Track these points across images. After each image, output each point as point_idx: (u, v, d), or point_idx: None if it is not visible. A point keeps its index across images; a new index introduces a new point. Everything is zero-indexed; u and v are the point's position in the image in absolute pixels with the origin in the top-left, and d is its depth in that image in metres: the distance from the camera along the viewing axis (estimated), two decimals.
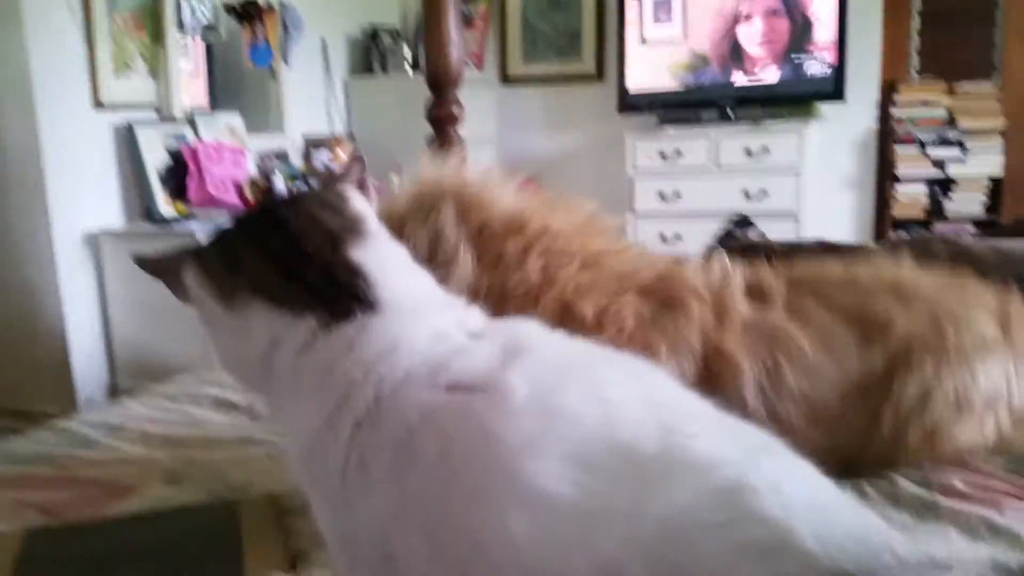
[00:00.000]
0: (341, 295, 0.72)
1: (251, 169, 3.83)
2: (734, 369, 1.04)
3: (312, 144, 4.35)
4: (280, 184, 3.68)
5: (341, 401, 0.68)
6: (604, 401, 0.65)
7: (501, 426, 0.63)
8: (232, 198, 3.63)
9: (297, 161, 4.25)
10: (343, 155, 4.22)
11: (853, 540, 0.59)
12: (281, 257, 0.74)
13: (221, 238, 0.80)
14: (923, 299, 1.11)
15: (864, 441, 1.06)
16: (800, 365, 1.05)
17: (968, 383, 1.05)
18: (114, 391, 3.38)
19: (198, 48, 3.88)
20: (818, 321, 1.08)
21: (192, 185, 3.55)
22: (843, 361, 1.06)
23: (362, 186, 0.85)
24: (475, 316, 0.77)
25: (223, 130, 3.85)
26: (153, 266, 0.82)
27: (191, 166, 3.56)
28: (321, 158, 4.24)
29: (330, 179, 0.84)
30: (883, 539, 0.63)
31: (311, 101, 4.49)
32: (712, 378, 1.03)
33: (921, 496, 1.00)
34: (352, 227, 0.77)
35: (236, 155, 3.76)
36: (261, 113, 4.22)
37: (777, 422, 1.01)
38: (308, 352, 0.71)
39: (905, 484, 1.03)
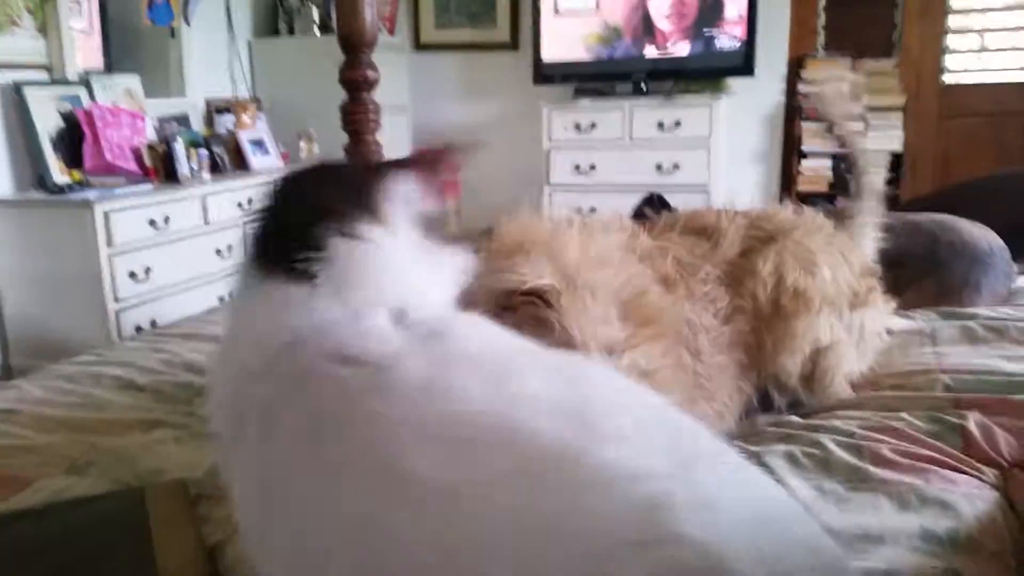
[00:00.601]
0: (280, 259, 0.72)
1: (150, 134, 3.65)
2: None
3: (215, 108, 4.19)
4: (180, 150, 3.53)
5: (237, 342, 0.71)
6: (509, 394, 0.60)
7: (378, 402, 0.60)
8: (130, 165, 3.46)
9: (199, 126, 4.09)
10: (247, 119, 4.07)
11: (804, 554, 0.54)
12: (273, 215, 0.77)
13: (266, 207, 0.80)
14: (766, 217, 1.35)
15: (755, 327, 1.23)
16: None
17: (809, 252, 1.27)
18: (7, 372, 3.20)
19: (91, 4, 3.66)
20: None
21: (88, 151, 3.37)
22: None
23: (427, 179, 0.80)
24: (434, 295, 0.76)
25: (120, 93, 3.66)
26: None
27: (86, 131, 3.37)
28: (225, 123, 4.09)
29: (397, 163, 0.80)
30: (836, 552, 0.59)
31: (214, 63, 4.31)
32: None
33: (852, 464, 1.02)
34: (347, 210, 0.74)
35: (134, 119, 3.58)
36: (161, 75, 4.03)
37: None
38: (241, 292, 0.74)
39: (837, 451, 1.05)
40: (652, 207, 2.78)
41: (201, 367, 1.45)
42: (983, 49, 4.49)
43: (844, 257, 1.33)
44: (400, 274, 0.74)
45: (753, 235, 1.30)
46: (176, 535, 0.94)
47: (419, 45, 4.98)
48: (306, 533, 0.59)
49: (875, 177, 1.52)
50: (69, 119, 3.37)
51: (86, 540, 0.96)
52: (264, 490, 0.63)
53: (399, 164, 0.80)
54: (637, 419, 0.62)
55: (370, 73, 2.02)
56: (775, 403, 1.29)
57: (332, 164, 0.81)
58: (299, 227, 0.73)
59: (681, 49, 4.29)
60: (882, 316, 1.38)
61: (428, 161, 0.81)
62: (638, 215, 2.70)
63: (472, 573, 0.53)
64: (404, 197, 0.77)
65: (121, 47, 3.85)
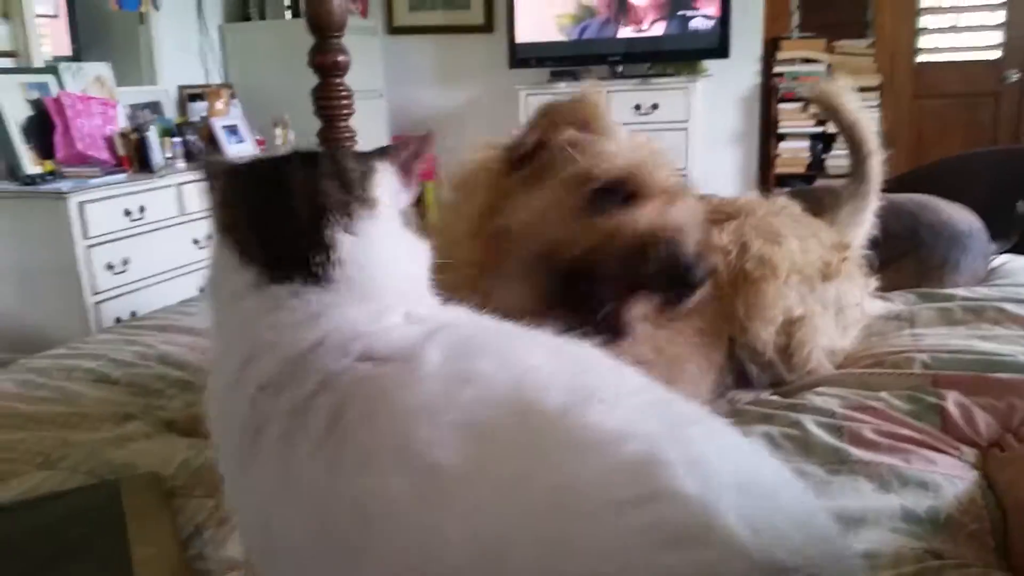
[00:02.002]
0: (291, 260, 0.68)
1: (122, 123, 3.60)
2: None
3: (188, 95, 4.13)
4: (154, 138, 3.48)
5: (248, 359, 0.66)
6: (516, 367, 0.62)
7: (401, 392, 0.60)
8: (103, 154, 3.41)
9: (172, 113, 4.03)
10: (221, 106, 4.02)
11: (794, 525, 0.54)
12: (258, 208, 0.71)
13: (230, 179, 0.75)
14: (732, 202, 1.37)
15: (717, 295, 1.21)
16: None
17: (773, 227, 1.28)
18: None
19: None
20: None
21: (59, 141, 3.31)
22: None
23: (406, 169, 0.78)
24: (427, 300, 0.74)
25: (90, 81, 3.60)
26: None
27: (57, 120, 3.31)
28: (198, 110, 4.03)
29: (381, 152, 0.77)
30: (827, 524, 0.59)
31: (185, 49, 4.24)
32: None
33: (832, 445, 1.02)
34: (350, 205, 0.71)
35: (106, 108, 3.52)
36: (131, 62, 3.97)
37: None
38: (237, 301, 0.68)
39: (816, 432, 1.05)
40: None
41: (176, 359, 1.43)
42: (954, 28, 4.52)
43: (812, 232, 1.34)
44: (402, 269, 0.72)
45: (713, 218, 1.30)
46: (151, 528, 0.93)
47: (393, 28, 4.93)
48: (333, 533, 0.59)
49: (879, 162, 1.52)
50: (38, 108, 3.31)
51: (60, 535, 0.95)
52: (286, 498, 0.61)
53: (380, 154, 0.78)
54: (629, 388, 0.64)
55: (341, 57, 1.99)
56: (754, 381, 1.30)
57: (319, 153, 0.76)
58: (307, 225, 0.69)
59: (656, 29, 4.27)
60: (860, 289, 1.38)
61: (409, 150, 0.79)
62: None
63: (491, 547, 0.53)
64: (389, 187, 0.75)
65: (90, 33, 3.79)
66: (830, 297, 1.31)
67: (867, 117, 1.53)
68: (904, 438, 1.03)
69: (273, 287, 0.67)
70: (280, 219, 0.70)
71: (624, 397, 0.61)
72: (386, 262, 0.71)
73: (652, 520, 0.51)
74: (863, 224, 1.53)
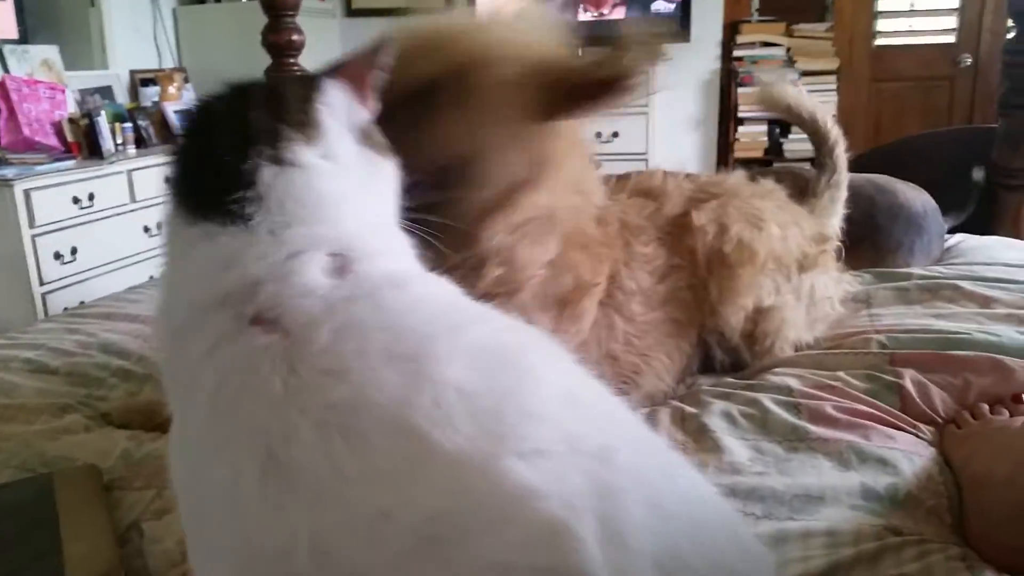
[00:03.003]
0: (209, 199, 0.62)
1: (71, 108, 3.50)
2: None
3: (140, 80, 4.03)
4: (104, 124, 3.39)
5: (166, 306, 0.62)
6: (419, 378, 0.53)
7: (272, 376, 0.54)
8: (51, 140, 3.32)
9: (123, 98, 3.93)
10: (174, 91, 3.93)
11: None
12: (185, 148, 0.67)
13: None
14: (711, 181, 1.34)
15: (693, 284, 1.21)
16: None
17: (756, 210, 1.25)
18: None
19: None
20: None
21: (4, 126, 3.21)
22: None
23: (359, 83, 0.71)
24: (389, 252, 0.65)
25: (37, 65, 3.49)
26: None
27: (1, 105, 3.21)
28: (150, 95, 3.94)
29: (329, 70, 0.70)
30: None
31: (137, 32, 4.14)
32: None
33: (791, 423, 1.01)
34: (278, 133, 0.64)
35: (54, 92, 3.42)
36: (81, 46, 3.86)
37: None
38: (168, 242, 0.64)
39: (775, 410, 1.04)
40: None
41: (118, 348, 1.38)
42: (912, 11, 4.55)
43: (795, 221, 1.31)
44: (342, 202, 0.64)
45: (698, 197, 1.28)
46: (84, 522, 0.89)
47: (351, 10, 4.86)
48: (197, 515, 0.57)
49: (844, 153, 1.51)
50: None
51: None
52: (181, 454, 0.59)
53: (329, 72, 0.70)
54: (563, 430, 0.54)
55: (295, 36, 1.95)
56: (716, 365, 1.28)
57: (253, 82, 0.69)
58: (224, 158, 0.62)
59: (617, 13, 4.25)
60: (834, 283, 1.37)
61: (360, 63, 0.72)
62: None
63: (340, 571, 0.49)
64: (339, 107, 0.67)
65: (37, 15, 3.67)
66: (804, 288, 1.29)
67: (823, 108, 1.52)
68: (863, 414, 1.02)
69: (190, 229, 0.61)
70: (201, 156, 0.65)
71: (559, 444, 0.52)
72: (325, 195, 0.63)
73: None
74: (839, 213, 1.52)
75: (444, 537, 0.48)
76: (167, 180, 0.65)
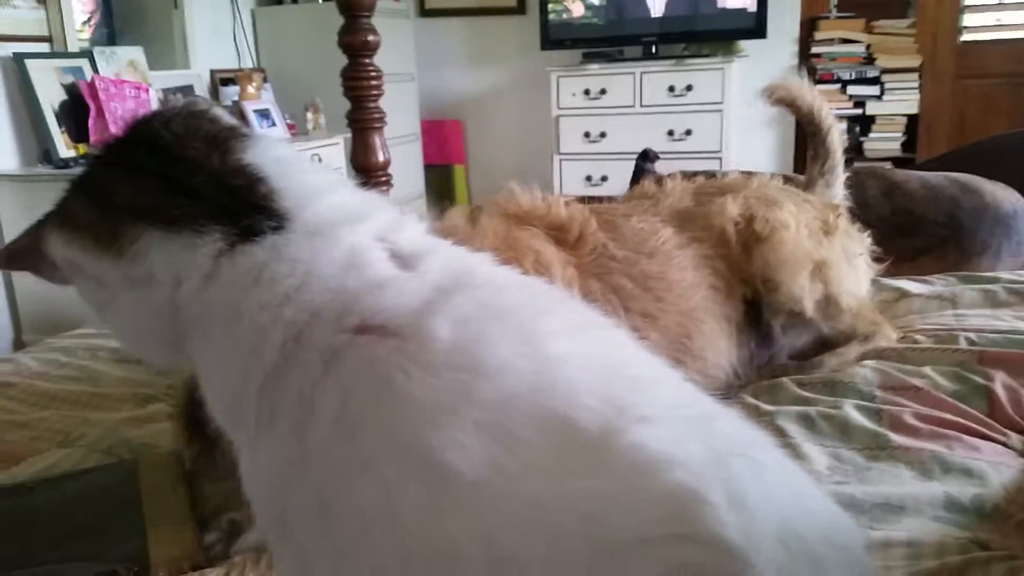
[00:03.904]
0: (240, 204, 0.60)
1: (155, 106, 3.61)
2: None
3: (220, 79, 4.14)
4: None
5: (249, 352, 0.59)
6: (542, 359, 0.55)
7: (409, 382, 0.53)
8: None
9: (204, 97, 4.04)
10: (253, 90, 4.02)
11: (841, 565, 0.50)
12: (161, 170, 0.62)
13: (80, 182, 0.67)
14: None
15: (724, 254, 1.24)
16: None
17: (766, 194, 1.31)
18: (19, 347, 3.19)
19: None
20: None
21: (93, 125, 3.33)
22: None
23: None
24: (410, 230, 0.64)
25: (124, 65, 3.62)
26: (8, 257, 0.69)
27: (91, 104, 3.33)
28: (230, 94, 4.04)
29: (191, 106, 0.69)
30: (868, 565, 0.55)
31: (217, 34, 4.25)
32: None
33: (872, 431, 0.99)
34: (233, 132, 0.64)
35: (139, 92, 3.54)
36: (165, 47, 3.98)
37: None
38: (212, 286, 0.60)
39: (855, 415, 1.01)
40: (648, 161, 2.74)
41: None
42: (1001, 5, 4.39)
43: (802, 198, 1.36)
44: (355, 198, 0.64)
45: (704, 191, 1.34)
46: (166, 507, 0.92)
47: (424, 11, 4.90)
48: (338, 533, 0.55)
49: (839, 134, 1.53)
50: (72, 92, 3.33)
51: (77, 512, 0.94)
52: (298, 488, 0.57)
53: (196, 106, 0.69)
54: (666, 396, 0.56)
55: (371, 37, 1.96)
56: (776, 342, 1.26)
57: (151, 116, 0.67)
58: (217, 169, 0.61)
59: (680, 8, 4.20)
60: (858, 242, 1.38)
61: None
62: (639, 174, 2.68)
63: (507, 567, 0.49)
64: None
65: (123, 18, 3.81)
66: (837, 247, 1.31)
67: (821, 99, 1.54)
68: (947, 423, 0.99)
69: (247, 247, 0.59)
70: (189, 165, 0.62)
71: (667, 410, 0.54)
72: (302, 176, 0.62)
73: (685, 563, 0.46)
74: (837, 197, 1.51)
75: (592, 516, 0.48)
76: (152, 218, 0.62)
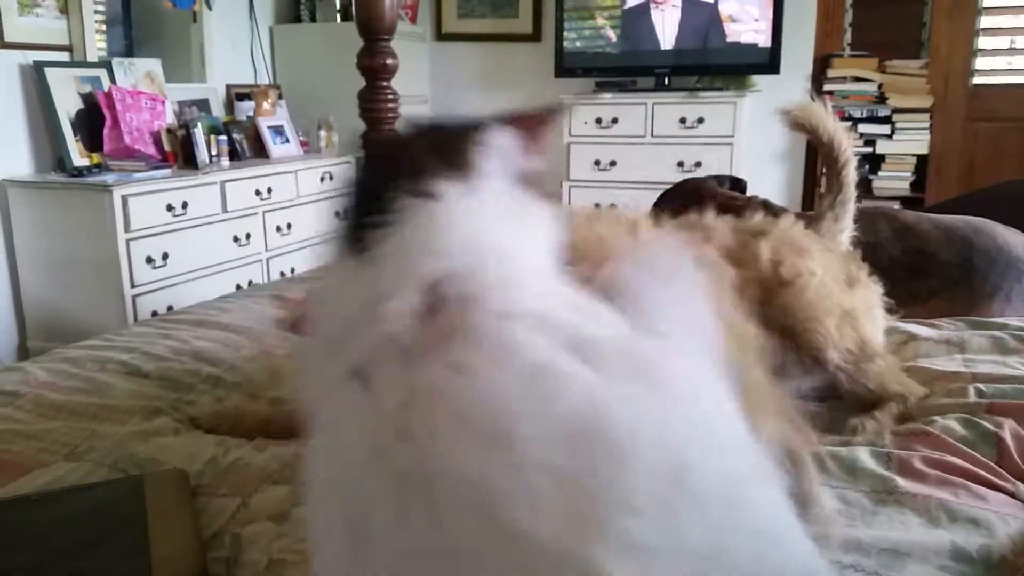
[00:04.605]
0: (355, 236, 0.63)
1: (170, 119, 3.64)
2: None
3: (236, 94, 4.17)
4: (200, 135, 3.51)
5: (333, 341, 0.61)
6: (508, 455, 0.49)
7: (357, 441, 0.53)
8: (150, 149, 3.45)
9: (219, 112, 4.07)
10: (268, 106, 4.05)
11: None
12: (360, 188, 0.69)
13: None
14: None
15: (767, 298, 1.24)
16: None
17: (796, 241, 1.31)
18: (24, 354, 3.19)
19: None
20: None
21: (108, 134, 3.36)
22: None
23: (531, 133, 0.71)
24: (597, 316, 0.61)
25: (141, 76, 3.65)
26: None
27: (106, 113, 3.36)
28: (245, 109, 4.07)
29: (501, 118, 0.70)
30: None
31: (235, 49, 4.29)
32: None
33: (879, 474, 0.98)
34: (437, 170, 0.64)
35: (155, 103, 3.57)
36: (182, 60, 4.02)
37: None
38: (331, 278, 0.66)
39: (864, 458, 1.01)
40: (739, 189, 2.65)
41: (209, 355, 1.42)
42: (1012, 50, 4.41)
43: (825, 246, 1.36)
44: (477, 236, 0.62)
45: (742, 230, 1.33)
46: (172, 525, 0.91)
47: (440, 35, 4.94)
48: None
49: (853, 168, 1.52)
50: (89, 101, 3.36)
51: (82, 528, 0.93)
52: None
53: (500, 119, 0.70)
54: (663, 517, 0.50)
55: (389, 60, 1.99)
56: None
57: (426, 122, 0.71)
58: (369, 193, 0.64)
59: (690, 43, 4.23)
60: (875, 295, 1.37)
61: (529, 120, 0.71)
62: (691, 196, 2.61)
63: None
64: (500, 151, 0.67)
65: (143, 30, 3.84)
66: (859, 300, 1.30)
67: (842, 128, 1.54)
68: (955, 470, 0.98)
69: (346, 260, 0.63)
70: (357, 190, 0.67)
71: (653, 538, 0.48)
72: (456, 228, 0.61)
73: None
74: (845, 231, 1.52)
75: None
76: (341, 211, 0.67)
